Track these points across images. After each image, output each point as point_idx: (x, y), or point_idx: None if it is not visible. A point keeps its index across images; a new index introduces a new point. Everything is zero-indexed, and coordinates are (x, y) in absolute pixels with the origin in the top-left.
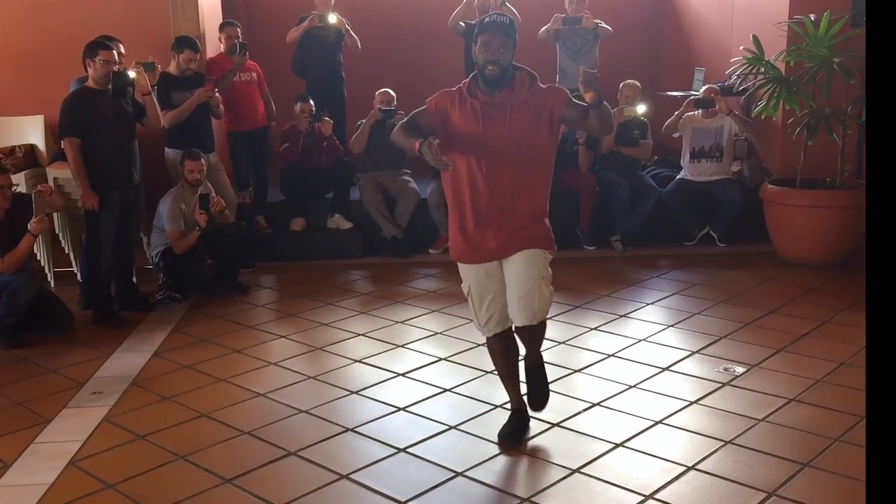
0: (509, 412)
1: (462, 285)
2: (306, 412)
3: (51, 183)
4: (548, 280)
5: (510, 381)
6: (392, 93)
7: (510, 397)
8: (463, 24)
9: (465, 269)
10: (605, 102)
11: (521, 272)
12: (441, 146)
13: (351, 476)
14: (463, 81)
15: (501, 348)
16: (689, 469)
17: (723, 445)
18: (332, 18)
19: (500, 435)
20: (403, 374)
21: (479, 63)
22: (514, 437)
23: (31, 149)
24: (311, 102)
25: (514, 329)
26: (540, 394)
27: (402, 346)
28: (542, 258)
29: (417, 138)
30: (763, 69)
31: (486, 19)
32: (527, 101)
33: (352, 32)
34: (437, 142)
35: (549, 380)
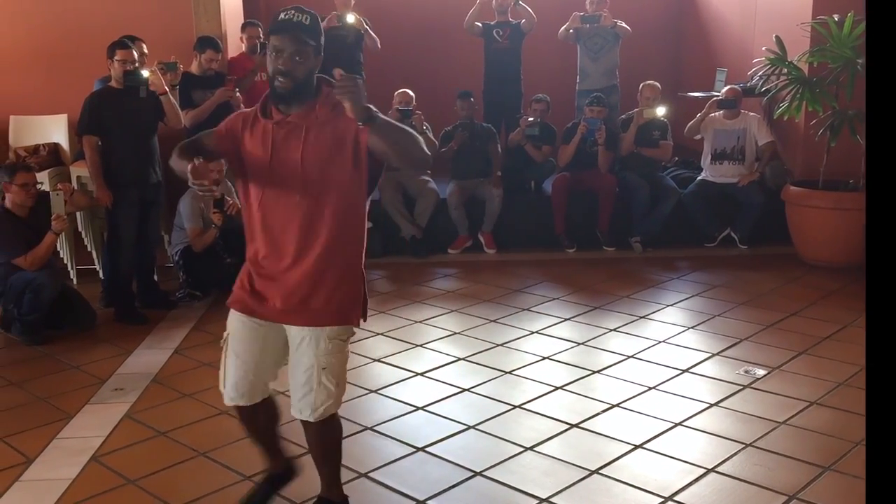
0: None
1: (225, 333)
2: None
3: (73, 181)
4: (332, 369)
5: (261, 447)
6: (411, 93)
7: (265, 459)
8: (479, 25)
9: (231, 316)
10: (381, 117)
11: (300, 357)
12: (236, 171)
13: (369, 474)
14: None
15: (247, 419)
16: (708, 471)
17: (743, 448)
18: (351, 18)
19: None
20: (422, 374)
21: (269, 72)
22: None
23: (55, 147)
24: None
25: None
26: (253, 498)
27: (421, 345)
28: (327, 340)
29: (191, 157)
30: (786, 70)
31: (280, 16)
32: (327, 123)
33: (371, 32)
34: (199, 161)
35: (569, 380)
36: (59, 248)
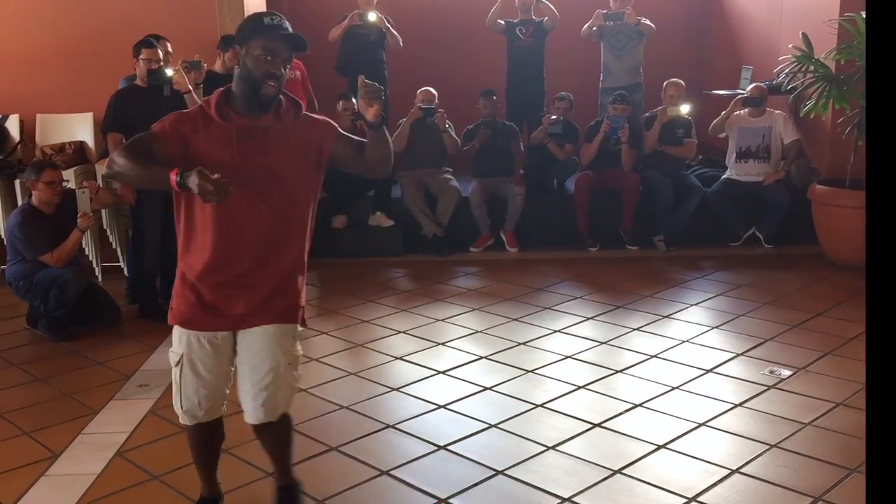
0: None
1: (171, 353)
2: (347, 408)
3: (99, 179)
4: (296, 364)
5: (206, 470)
6: (433, 91)
7: (202, 484)
8: (502, 23)
9: (182, 335)
10: (384, 127)
11: (264, 356)
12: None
13: (391, 472)
14: (204, 100)
15: (204, 438)
16: (732, 472)
17: (768, 449)
18: (372, 16)
19: None
20: (444, 372)
21: (256, 75)
22: None
23: (81, 145)
24: (354, 101)
25: (252, 427)
26: None
27: (443, 343)
28: (292, 337)
29: (163, 165)
30: (812, 68)
31: (270, 21)
32: (294, 130)
33: (393, 30)
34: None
35: (591, 379)
36: (84, 246)
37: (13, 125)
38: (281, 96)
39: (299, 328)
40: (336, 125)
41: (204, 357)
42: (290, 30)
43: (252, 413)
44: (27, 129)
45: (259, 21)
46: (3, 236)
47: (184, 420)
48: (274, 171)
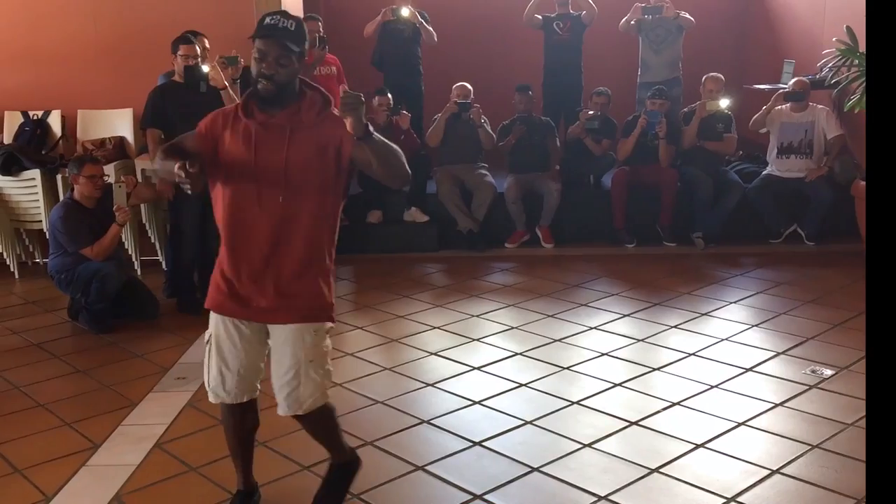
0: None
1: (206, 333)
2: (382, 403)
3: (138, 174)
4: (320, 361)
5: (239, 459)
6: (469, 86)
7: (237, 475)
8: (539, 17)
9: (214, 317)
10: (376, 136)
11: (284, 352)
12: (207, 171)
13: (426, 468)
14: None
15: (233, 422)
16: (773, 473)
17: (809, 450)
18: (405, 12)
19: None
20: (479, 368)
21: (253, 75)
22: None
23: (121, 141)
24: (389, 96)
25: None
26: (321, 496)
27: (478, 339)
28: (313, 334)
29: (180, 158)
30: (857, 61)
31: (266, 20)
32: (312, 127)
33: (426, 26)
34: (195, 168)
35: (628, 377)
36: (124, 240)
37: (55, 121)
38: (308, 91)
39: (326, 325)
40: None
41: (229, 341)
42: (289, 27)
43: (280, 406)
44: (69, 124)
45: (260, 21)
46: (45, 230)
47: (210, 397)
48: (287, 168)
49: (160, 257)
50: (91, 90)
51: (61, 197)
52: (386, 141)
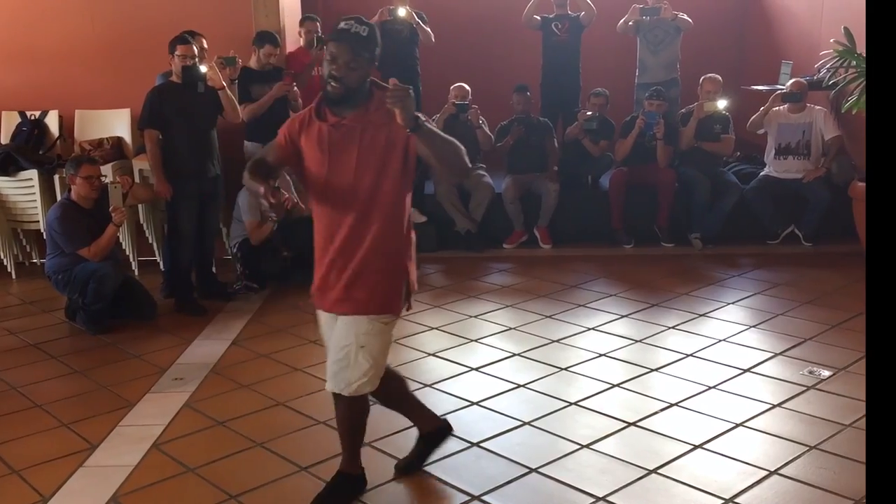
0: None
1: None
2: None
3: (136, 174)
4: (370, 349)
5: (404, 414)
6: (467, 87)
7: (342, 455)
8: (538, 18)
9: (319, 313)
10: (427, 126)
11: (339, 336)
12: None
13: (425, 469)
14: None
15: (376, 396)
16: (771, 473)
17: (807, 450)
18: (402, 12)
19: (397, 465)
20: (477, 369)
21: (323, 77)
22: (409, 469)
23: (119, 141)
24: None
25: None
26: (322, 496)
27: (476, 340)
28: (367, 324)
29: (265, 180)
30: (854, 63)
31: (341, 24)
32: (381, 126)
33: (423, 26)
34: (276, 198)
35: (626, 378)
36: (121, 240)
37: (52, 121)
38: (378, 91)
39: (384, 318)
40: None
41: (326, 333)
42: (361, 32)
43: (329, 382)
44: (66, 124)
45: (335, 25)
46: (43, 230)
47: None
48: (357, 168)
49: (158, 257)
50: (89, 90)
51: (58, 197)
52: (440, 133)
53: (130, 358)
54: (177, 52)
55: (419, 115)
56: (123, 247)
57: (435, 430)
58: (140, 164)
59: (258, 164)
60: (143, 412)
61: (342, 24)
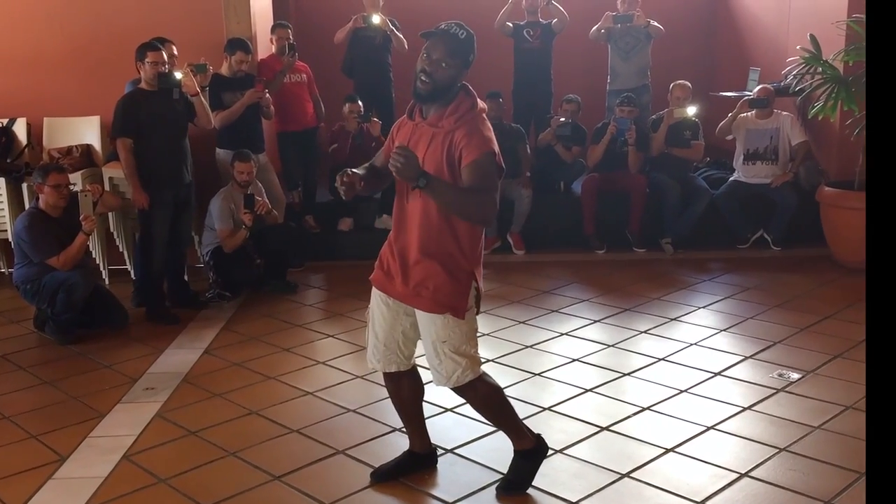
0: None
1: (369, 306)
2: (354, 411)
3: (106, 182)
4: (453, 342)
5: (404, 421)
6: None
7: (409, 438)
8: (510, 25)
9: (372, 292)
10: (433, 185)
11: (423, 336)
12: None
13: (399, 475)
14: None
15: (390, 389)
16: (741, 476)
17: (777, 452)
18: (376, 19)
19: (373, 472)
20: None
21: (416, 72)
22: (384, 477)
23: (88, 149)
24: (360, 103)
25: None
26: (510, 477)
27: None
28: (442, 320)
29: (356, 176)
30: (821, 69)
31: (441, 25)
32: (448, 132)
33: (397, 33)
34: (353, 172)
35: (599, 382)
36: (91, 248)
37: (20, 128)
38: (462, 96)
39: (451, 317)
40: (480, 154)
41: (378, 313)
42: (459, 35)
43: (433, 379)
44: (34, 132)
45: (437, 26)
46: (10, 239)
47: (368, 364)
48: (427, 168)
49: (128, 266)
50: (58, 97)
51: (27, 206)
52: (453, 189)
53: (101, 368)
54: (147, 60)
55: (424, 173)
56: (93, 255)
57: (425, 454)
58: (110, 171)
59: (370, 170)
60: (114, 423)
61: (443, 25)
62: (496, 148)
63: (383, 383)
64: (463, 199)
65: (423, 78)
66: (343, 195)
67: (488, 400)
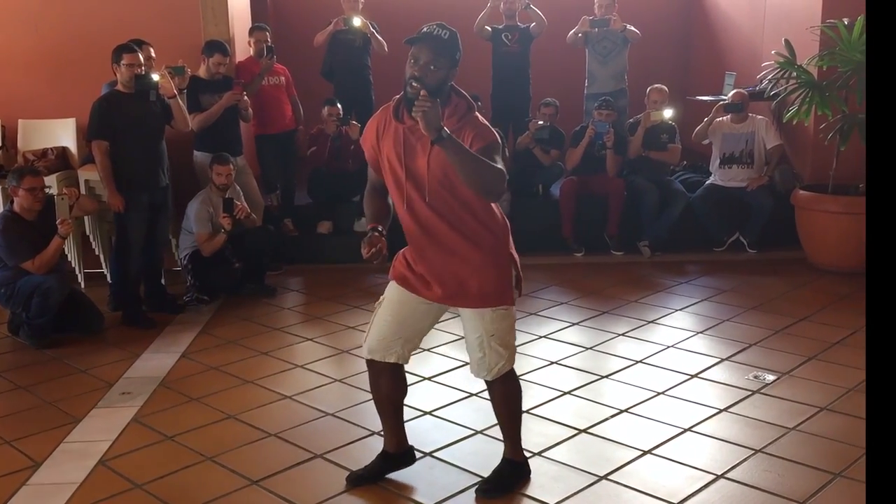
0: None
1: (381, 298)
2: (332, 415)
3: (82, 185)
4: (501, 334)
5: (382, 418)
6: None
7: (384, 436)
8: (489, 29)
9: (394, 288)
10: (453, 141)
11: (468, 329)
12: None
13: (377, 479)
14: (394, 98)
15: (374, 378)
16: (718, 477)
17: (753, 454)
18: (357, 21)
19: (348, 476)
20: (430, 378)
21: (405, 79)
22: (359, 481)
23: (63, 151)
24: (339, 106)
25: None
26: (492, 479)
27: (429, 349)
28: (491, 314)
29: (377, 217)
30: (795, 74)
31: (423, 29)
32: (454, 132)
33: (377, 35)
34: (373, 235)
35: (577, 385)
36: (66, 252)
37: None
38: (455, 98)
39: (501, 308)
40: (490, 141)
41: (396, 305)
42: (443, 36)
43: (472, 368)
44: (9, 134)
45: (419, 31)
46: None
47: (363, 352)
48: (430, 172)
49: (105, 270)
50: (32, 99)
51: (1, 209)
52: (469, 152)
53: (76, 373)
54: (123, 62)
55: (443, 128)
56: (69, 259)
57: (401, 455)
58: (86, 174)
59: (371, 189)
60: (90, 428)
61: (425, 28)
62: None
63: (362, 387)
64: (477, 161)
65: (413, 84)
66: (374, 262)
67: (514, 394)
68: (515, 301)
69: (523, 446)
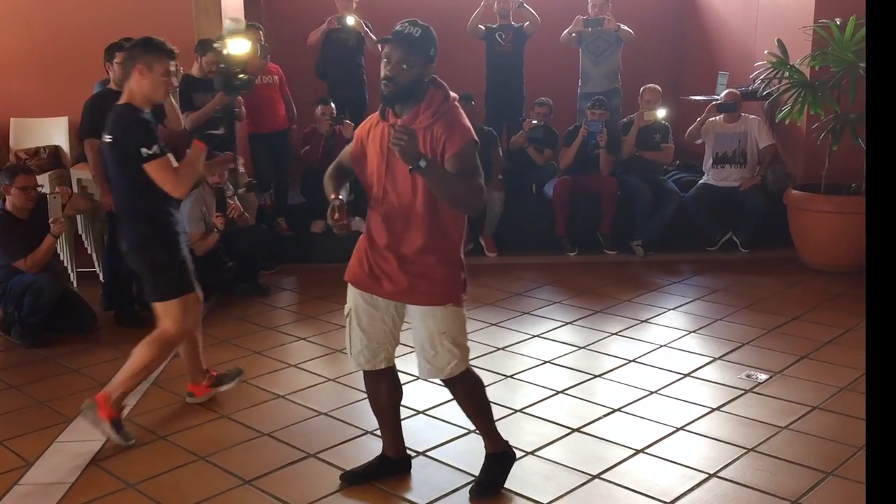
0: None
1: (345, 307)
2: (326, 414)
3: (74, 184)
4: (452, 333)
5: (381, 424)
6: None
7: (383, 441)
8: (483, 28)
9: (351, 291)
10: (428, 170)
11: (417, 327)
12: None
13: (371, 478)
14: None
15: (371, 388)
16: (710, 476)
17: (745, 453)
18: (350, 21)
19: (342, 474)
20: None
21: (381, 78)
22: (354, 480)
23: (56, 150)
24: (332, 105)
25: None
26: (481, 479)
27: None
28: (441, 312)
29: (337, 189)
30: (787, 74)
31: (396, 27)
32: (426, 128)
33: (371, 34)
34: (339, 203)
35: (570, 384)
36: (59, 251)
37: None
38: (433, 89)
39: (451, 306)
40: (463, 145)
41: (363, 312)
42: (414, 34)
43: (420, 370)
44: (1, 133)
45: (393, 30)
46: None
47: (352, 365)
48: (407, 171)
49: (97, 269)
50: (25, 97)
51: None
52: (447, 175)
53: (68, 372)
54: (116, 60)
55: (422, 155)
56: (62, 258)
57: (398, 460)
58: (78, 173)
59: (334, 170)
60: (82, 428)
61: (397, 27)
62: (475, 137)
63: (355, 386)
64: (455, 184)
65: (386, 83)
66: (337, 232)
67: (475, 392)
68: (463, 304)
69: (515, 444)
